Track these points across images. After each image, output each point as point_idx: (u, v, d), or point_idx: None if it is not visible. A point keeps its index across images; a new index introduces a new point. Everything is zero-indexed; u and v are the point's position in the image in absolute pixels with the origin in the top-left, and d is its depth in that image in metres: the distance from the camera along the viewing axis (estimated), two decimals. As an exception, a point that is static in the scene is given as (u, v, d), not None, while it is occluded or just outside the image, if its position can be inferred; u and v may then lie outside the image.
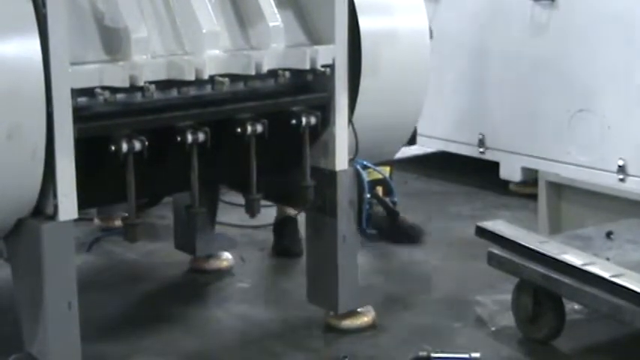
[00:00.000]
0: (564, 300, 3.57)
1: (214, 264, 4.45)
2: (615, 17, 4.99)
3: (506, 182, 5.69)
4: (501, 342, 3.68)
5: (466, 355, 3.52)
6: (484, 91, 5.65)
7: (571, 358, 3.58)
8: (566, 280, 3.43)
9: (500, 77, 5.55)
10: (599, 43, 5.07)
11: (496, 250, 3.71)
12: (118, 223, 4.79)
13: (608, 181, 4.97)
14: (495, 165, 5.70)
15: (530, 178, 5.55)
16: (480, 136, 5.69)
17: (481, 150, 5.72)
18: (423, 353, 3.53)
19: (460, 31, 5.68)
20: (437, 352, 3.52)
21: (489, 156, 5.71)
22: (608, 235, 3.81)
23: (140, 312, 3.99)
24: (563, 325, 3.60)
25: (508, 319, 3.78)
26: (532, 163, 5.49)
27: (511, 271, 3.66)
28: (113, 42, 3.07)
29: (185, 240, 4.39)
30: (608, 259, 3.55)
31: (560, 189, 4.41)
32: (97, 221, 4.97)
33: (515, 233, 3.76)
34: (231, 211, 4.82)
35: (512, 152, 5.58)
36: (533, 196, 5.50)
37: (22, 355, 3.11)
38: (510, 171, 5.62)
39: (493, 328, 3.80)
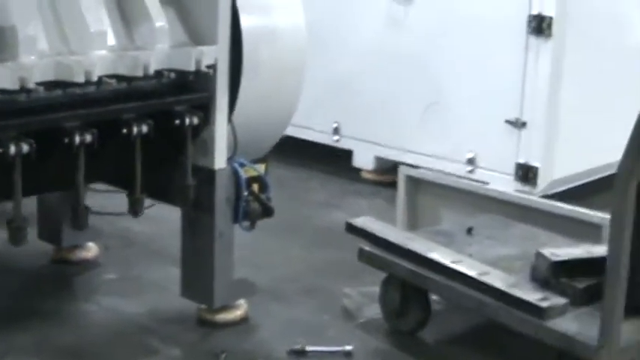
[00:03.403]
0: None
1: (80, 254, 4.41)
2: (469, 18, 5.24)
3: (359, 169, 5.88)
4: (369, 334, 3.85)
5: (339, 348, 3.68)
6: (340, 81, 5.80)
7: (437, 348, 3.79)
8: (434, 277, 3.62)
9: (358, 68, 5.70)
10: (453, 40, 5.31)
11: (366, 247, 3.87)
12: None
13: (458, 171, 5.24)
14: (349, 153, 5.89)
15: (382, 166, 5.79)
16: (335, 125, 5.84)
17: (335, 138, 5.88)
18: (298, 347, 3.66)
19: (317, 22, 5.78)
20: (311, 346, 3.67)
21: (343, 144, 5.88)
22: (469, 231, 4.03)
23: (8, 307, 3.92)
24: (429, 318, 3.81)
25: (374, 311, 3.96)
26: (385, 153, 5.70)
27: (381, 267, 3.83)
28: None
29: (50, 230, 4.34)
30: (470, 255, 3.77)
31: (419, 183, 4.61)
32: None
33: (384, 230, 3.93)
34: (91, 197, 4.77)
35: (365, 141, 5.77)
36: (384, 184, 5.79)
37: None
38: (363, 159, 5.81)
39: (361, 320, 3.97)
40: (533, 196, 4.49)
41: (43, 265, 4.35)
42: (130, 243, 4.64)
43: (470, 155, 5.32)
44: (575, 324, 3.26)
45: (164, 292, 4.10)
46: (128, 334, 3.76)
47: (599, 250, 3.43)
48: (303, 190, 5.61)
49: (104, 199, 4.64)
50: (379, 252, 3.82)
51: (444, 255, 3.68)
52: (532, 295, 3.35)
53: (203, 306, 3.86)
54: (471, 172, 5.32)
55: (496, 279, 3.49)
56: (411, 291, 3.78)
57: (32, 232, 4.37)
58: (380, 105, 5.66)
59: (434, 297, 3.89)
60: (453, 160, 5.38)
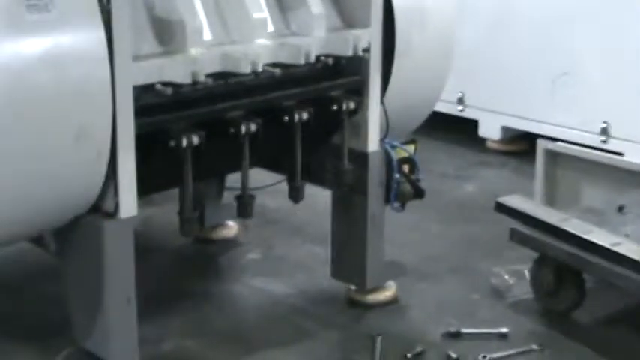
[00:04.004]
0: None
1: (220, 233, 4.45)
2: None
3: (484, 139, 5.81)
4: (522, 314, 3.81)
5: (495, 330, 3.65)
6: (464, 50, 5.70)
7: (593, 329, 3.74)
8: (594, 259, 3.56)
9: (484, 37, 5.60)
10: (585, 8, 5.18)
11: (518, 227, 3.82)
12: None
13: (590, 142, 5.14)
14: (473, 122, 5.81)
15: (508, 136, 5.71)
16: (460, 94, 5.76)
17: (460, 108, 5.81)
18: (453, 329, 3.65)
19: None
20: (466, 328, 3.65)
21: (469, 114, 5.81)
22: (620, 209, 3.95)
23: (161, 289, 3.96)
24: (584, 299, 3.76)
25: (523, 290, 3.93)
26: (512, 122, 5.62)
27: (534, 247, 3.78)
28: (167, 33, 3.02)
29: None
30: (627, 235, 3.70)
31: (558, 157, 4.52)
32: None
33: (536, 210, 3.87)
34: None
35: (491, 111, 5.69)
36: (511, 153, 5.72)
37: (76, 350, 3.11)
38: (490, 129, 5.73)
39: (511, 300, 3.93)
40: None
41: (186, 245, 4.39)
42: (268, 221, 4.66)
43: (603, 125, 5.21)
44: None
45: (310, 271, 4.13)
46: (282, 316, 3.79)
47: None
48: (431, 161, 5.52)
49: (235, 175, 4.69)
50: (533, 233, 3.76)
51: (602, 237, 3.61)
52: (702, 280, 3.28)
53: (353, 286, 3.88)
54: (604, 142, 5.21)
55: (661, 261, 3.42)
56: (566, 272, 3.72)
57: (173, 210, 4.48)
58: (506, 74, 5.56)
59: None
60: (585, 131, 5.27)
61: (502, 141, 5.73)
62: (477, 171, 5.50)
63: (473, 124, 5.82)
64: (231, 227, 4.49)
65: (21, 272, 4.05)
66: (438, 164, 5.53)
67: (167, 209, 4.50)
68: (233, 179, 4.54)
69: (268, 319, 3.77)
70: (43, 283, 3.91)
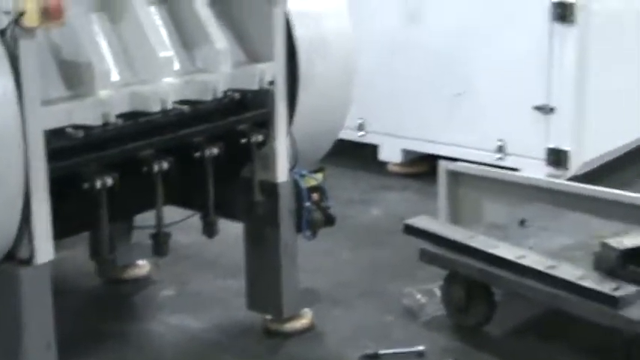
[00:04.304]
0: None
1: (133, 272, 4.44)
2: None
3: (385, 163, 5.94)
4: (436, 332, 3.92)
5: (412, 349, 3.74)
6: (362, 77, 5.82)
7: (505, 341, 3.86)
8: (502, 273, 3.69)
9: (380, 64, 5.74)
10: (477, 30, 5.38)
11: (427, 247, 3.93)
12: None
13: (487, 159, 5.31)
14: (374, 147, 5.94)
15: (408, 159, 5.86)
16: (360, 121, 5.88)
17: (360, 134, 5.93)
18: (370, 351, 3.72)
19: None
20: (383, 349, 3.73)
21: (369, 139, 5.93)
22: (522, 222, 4.09)
23: (78, 331, 3.92)
24: (494, 312, 3.88)
25: (435, 308, 4.03)
26: (412, 145, 5.76)
27: (444, 265, 3.90)
28: (75, 77, 3.04)
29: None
30: (530, 247, 3.84)
31: (459, 176, 4.66)
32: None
33: (443, 229, 3.99)
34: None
35: (391, 135, 5.82)
36: (411, 175, 5.86)
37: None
38: (390, 153, 5.86)
39: (424, 319, 4.03)
40: (577, 183, 4.53)
41: (98, 286, 4.37)
42: (180, 257, 4.64)
43: (499, 143, 5.39)
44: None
45: (225, 305, 4.16)
46: (200, 351, 3.81)
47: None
48: (336, 188, 5.55)
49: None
50: (441, 251, 3.88)
51: (508, 251, 3.75)
52: (604, 286, 3.43)
53: (268, 317, 3.92)
54: (500, 159, 5.39)
55: (564, 272, 3.57)
56: (475, 287, 3.85)
57: (84, 252, 4.45)
58: (404, 99, 5.71)
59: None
60: (482, 149, 5.45)
61: (403, 164, 5.87)
62: (381, 194, 5.62)
63: (374, 148, 5.95)
64: (143, 266, 4.48)
65: None
66: (343, 190, 5.62)
67: (77, 251, 4.49)
68: (140, 217, 4.57)
69: (186, 356, 3.79)
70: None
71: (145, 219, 4.57)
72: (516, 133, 5.35)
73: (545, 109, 5.22)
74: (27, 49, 2.79)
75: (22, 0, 2.71)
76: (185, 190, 3.53)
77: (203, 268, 4.58)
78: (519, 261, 3.66)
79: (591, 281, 3.48)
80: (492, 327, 3.90)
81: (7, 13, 2.75)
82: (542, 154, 5.27)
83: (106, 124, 3.02)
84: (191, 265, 4.60)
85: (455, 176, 4.64)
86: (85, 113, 2.97)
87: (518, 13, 5.21)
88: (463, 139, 5.51)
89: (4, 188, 2.78)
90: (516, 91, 5.29)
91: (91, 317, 4.11)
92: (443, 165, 4.68)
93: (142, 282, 4.43)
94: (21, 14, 2.72)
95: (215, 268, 4.54)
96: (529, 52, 5.20)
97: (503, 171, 4.66)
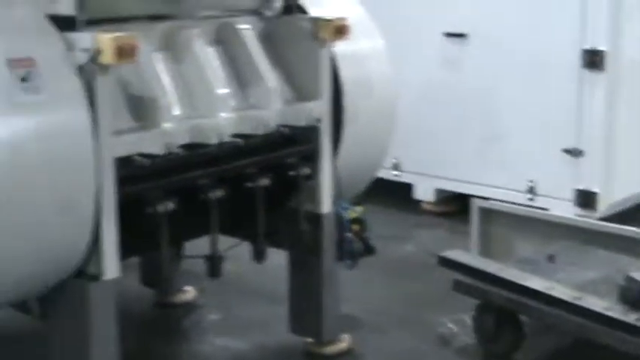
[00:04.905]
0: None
1: (180, 297, 4.70)
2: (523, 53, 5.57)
3: (419, 201, 6.18)
4: (467, 359, 4.13)
5: (444, 374, 3.97)
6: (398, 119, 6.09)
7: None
8: (531, 303, 3.91)
9: (415, 106, 6.01)
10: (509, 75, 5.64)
11: (462, 278, 4.16)
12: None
13: (518, 199, 5.54)
14: (408, 186, 6.19)
15: (442, 198, 6.10)
16: (395, 161, 6.13)
17: (395, 173, 6.18)
18: (406, 375, 3.96)
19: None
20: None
21: (404, 178, 6.18)
22: (550, 258, 4.32)
23: (131, 351, 4.16)
24: (523, 341, 4.10)
25: (468, 337, 4.25)
26: (445, 185, 6.01)
27: (476, 295, 4.12)
28: (141, 110, 3.32)
29: (152, 275, 4.61)
30: (558, 281, 4.06)
31: (491, 214, 4.89)
32: None
33: (476, 261, 4.23)
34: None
35: (425, 175, 6.08)
36: (444, 214, 6.09)
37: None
38: (424, 192, 6.11)
39: (456, 346, 4.25)
40: (607, 223, 4.74)
41: (147, 310, 4.63)
42: (223, 284, 4.89)
43: (530, 184, 5.62)
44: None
45: (267, 328, 4.40)
46: (246, 371, 4.06)
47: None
48: (371, 224, 5.86)
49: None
50: (474, 282, 4.11)
51: (537, 282, 3.97)
52: (629, 316, 3.65)
53: (310, 340, 4.15)
54: (530, 199, 5.62)
55: (591, 303, 3.78)
56: (505, 317, 4.06)
57: (134, 278, 4.71)
58: (438, 140, 5.98)
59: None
60: (513, 189, 5.68)
61: (436, 202, 6.11)
62: (415, 232, 5.86)
63: (408, 187, 6.21)
64: (189, 291, 4.75)
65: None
66: (378, 226, 5.79)
67: (125, 278, 4.72)
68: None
69: (234, 375, 4.04)
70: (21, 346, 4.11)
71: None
72: (546, 175, 5.59)
73: (575, 152, 5.45)
74: (102, 84, 3.07)
75: (100, 39, 3.00)
76: (233, 220, 3.78)
77: (246, 294, 4.83)
78: (548, 292, 3.88)
79: (616, 312, 3.70)
80: (521, 355, 4.12)
81: (85, 50, 3.04)
82: (571, 196, 5.50)
83: (168, 154, 3.30)
84: (234, 292, 4.85)
85: (487, 213, 4.88)
86: (150, 143, 3.24)
87: (550, 61, 5.47)
88: (494, 180, 5.75)
89: (78, 210, 3.04)
90: (547, 135, 5.54)
91: (141, 338, 4.35)
92: (476, 202, 4.92)
93: (188, 306, 4.69)
94: (98, 52, 3.01)
95: (257, 295, 4.79)
96: (560, 97, 5.45)
97: (533, 209, 4.89)
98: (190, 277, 4.73)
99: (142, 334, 4.41)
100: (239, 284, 4.92)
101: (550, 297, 3.86)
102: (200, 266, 4.90)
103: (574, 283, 4.03)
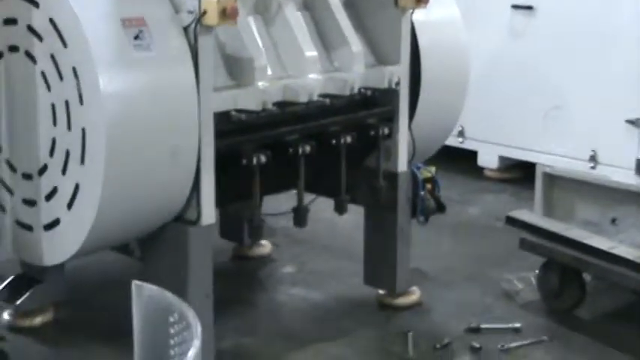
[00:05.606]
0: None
1: (257, 251, 4.98)
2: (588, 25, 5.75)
3: (482, 168, 6.40)
4: (531, 313, 4.36)
5: (509, 325, 4.19)
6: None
7: (595, 323, 4.28)
8: (595, 261, 4.13)
9: (482, 75, 6.20)
10: (573, 46, 5.82)
11: (527, 237, 4.38)
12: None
13: (580, 168, 5.73)
14: (473, 153, 6.41)
15: (505, 165, 6.31)
16: (460, 128, 6.34)
17: (460, 140, 6.40)
18: (473, 325, 4.18)
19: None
20: (484, 324, 4.19)
21: (468, 145, 6.40)
22: (613, 221, 4.52)
23: (215, 298, 4.47)
24: (585, 298, 4.32)
25: (531, 293, 4.48)
26: (508, 152, 6.22)
27: (541, 253, 4.34)
28: (237, 69, 3.58)
29: (232, 230, 4.90)
30: (621, 241, 4.27)
31: (554, 179, 5.09)
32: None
33: (541, 221, 4.45)
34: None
35: (489, 142, 6.29)
36: (507, 181, 6.30)
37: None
38: (488, 159, 6.32)
39: (520, 302, 4.48)
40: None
41: (226, 262, 4.91)
42: (295, 240, 5.19)
43: (591, 153, 5.81)
44: None
45: (340, 281, 4.66)
46: (323, 317, 4.31)
47: None
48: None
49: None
50: (540, 241, 4.33)
51: (600, 241, 4.18)
52: (690, 274, 3.86)
53: (382, 291, 4.40)
54: (592, 168, 5.81)
55: (654, 261, 3.99)
56: (569, 274, 4.28)
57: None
58: (503, 108, 6.18)
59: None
60: (575, 158, 5.87)
61: (499, 169, 6.32)
62: (479, 196, 6.08)
63: (473, 154, 6.42)
64: (265, 245, 5.02)
65: (90, 282, 4.55)
66: (444, 190, 6.01)
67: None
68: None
69: (312, 320, 4.29)
70: (111, 292, 4.40)
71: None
72: (608, 145, 5.76)
73: (637, 123, 5.62)
74: (205, 44, 3.34)
75: (206, 2, 3.26)
76: (316, 176, 4.02)
77: (318, 250, 5.09)
78: (611, 250, 4.09)
79: (677, 270, 3.91)
80: (583, 311, 4.34)
81: (190, 12, 3.31)
82: (633, 165, 5.68)
83: (262, 110, 3.56)
84: (307, 248, 5.12)
85: (551, 179, 5.08)
86: (246, 100, 3.51)
87: (614, 33, 5.63)
88: (557, 149, 5.94)
89: (183, 159, 3.33)
90: (610, 105, 5.71)
91: (221, 287, 4.61)
92: (540, 167, 5.12)
93: (265, 260, 4.97)
94: (203, 14, 3.28)
95: (329, 251, 5.06)
96: (623, 69, 5.62)
97: (596, 174, 5.08)
98: (268, 232, 5.00)
99: (221, 284, 4.64)
100: (312, 242, 5.18)
101: (613, 255, 4.07)
102: (275, 223, 5.24)
103: (636, 244, 4.23)
